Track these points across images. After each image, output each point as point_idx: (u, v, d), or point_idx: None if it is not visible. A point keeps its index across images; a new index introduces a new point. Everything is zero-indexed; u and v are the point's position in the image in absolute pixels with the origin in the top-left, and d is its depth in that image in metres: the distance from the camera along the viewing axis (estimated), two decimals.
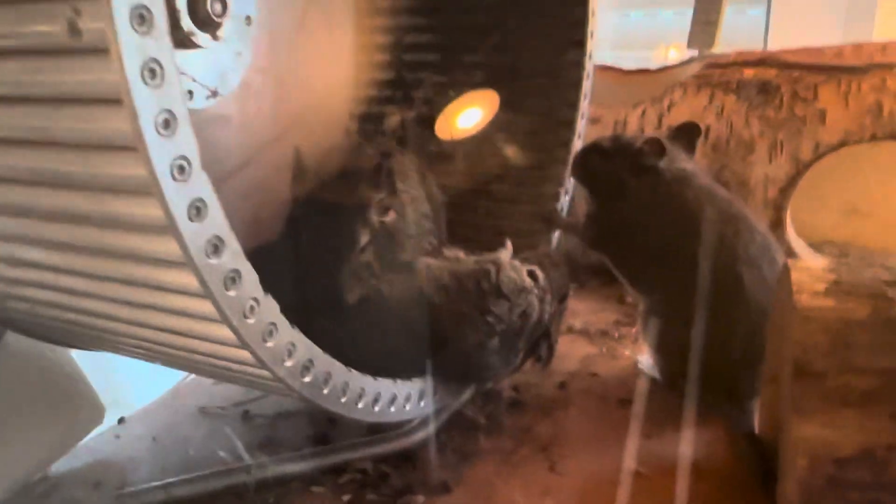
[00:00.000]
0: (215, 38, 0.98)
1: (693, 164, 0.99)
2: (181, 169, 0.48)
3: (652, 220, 0.95)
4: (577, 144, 1.17)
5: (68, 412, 0.86)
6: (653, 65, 2.65)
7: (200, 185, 0.50)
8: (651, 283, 0.99)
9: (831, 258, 1.30)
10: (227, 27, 0.99)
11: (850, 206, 1.43)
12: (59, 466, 0.87)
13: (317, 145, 1.26)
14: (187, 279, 0.52)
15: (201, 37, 0.96)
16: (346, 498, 0.79)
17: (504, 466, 0.84)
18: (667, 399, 0.96)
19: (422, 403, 0.87)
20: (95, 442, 0.92)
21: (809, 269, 0.69)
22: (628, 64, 2.64)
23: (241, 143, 1.10)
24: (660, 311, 0.97)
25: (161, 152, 0.46)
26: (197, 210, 0.50)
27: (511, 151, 1.21)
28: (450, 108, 1.23)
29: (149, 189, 0.46)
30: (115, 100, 0.44)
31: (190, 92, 0.98)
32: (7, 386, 0.83)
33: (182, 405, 1.01)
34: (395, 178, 0.84)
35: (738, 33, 2.24)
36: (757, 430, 0.85)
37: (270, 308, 0.60)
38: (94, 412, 0.89)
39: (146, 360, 0.79)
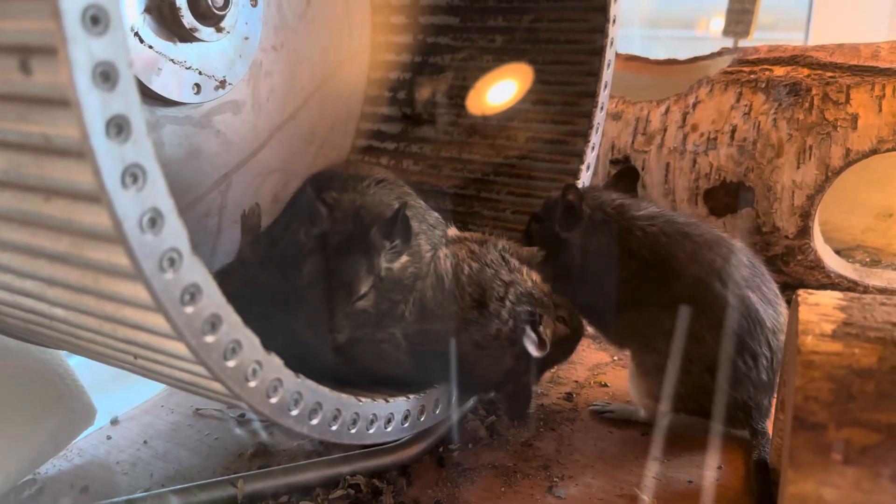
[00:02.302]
0: (219, 30, 0.96)
1: (630, 199, 0.95)
2: (171, 261, 0.47)
3: (597, 265, 0.91)
4: (600, 117, 1.12)
5: (58, 412, 0.86)
6: (693, 37, 2.58)
7: (194, 271, 0.49)
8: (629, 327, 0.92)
9: (856, 269, 1.25)
10: (231, 16, 0.97)
11: (884, 209, 1.37)
12: (48, 468, 0.87)
13: (334, 116, 1.25)
14: (184, 351, 0.51)
15: (204, 31, 0.94)
16: None
17: (502, 486, 0.82)
18: (679, 417, 0.93)
19: (437, 412, 0.86)
20: (86, 443, 0.92)
21: (819, 304, 0.65)
22: (665, 43, 2.58)
23: (256, 126, 1.09)
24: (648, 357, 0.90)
25: (146, 248, 0.45)
26: (191, 296, 0.49)
27: (531, 124, 1.18)
28: (481, 83, 1.21)
29: (136, 278, 0.46)
30: (78, 152, 0.42)
31: (197, 85, 0.96)
32: None
33: (177, 405, 1.00)
34: (411, 226, 0.82)
35: (779, 18, 2.16)
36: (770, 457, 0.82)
37: (274, 366, 0.60)
38: (85, 413, 0.89)
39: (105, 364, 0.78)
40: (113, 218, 0.42)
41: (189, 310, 0.49)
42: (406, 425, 0.81)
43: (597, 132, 1.12)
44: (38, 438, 0.83)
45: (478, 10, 1.20)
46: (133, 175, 0.43)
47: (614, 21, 1.09)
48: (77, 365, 0.91)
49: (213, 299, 0.51)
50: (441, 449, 0.89)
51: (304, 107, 1.17)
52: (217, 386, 0.55)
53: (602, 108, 1.12)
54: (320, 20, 1.16)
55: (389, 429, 0.78)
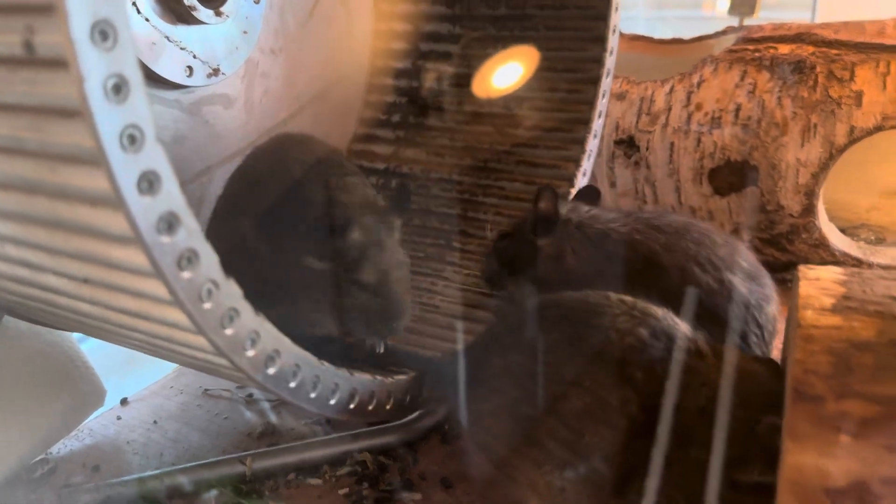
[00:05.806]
0: (218, 14, 0.97)
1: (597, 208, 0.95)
2: (132, 139, 0.44)
3: (577, 270, 0.89)
4: (602, 104, 1.13)
5: (69, 394, 0.87)
6: (699, 17, 2.56)
7: (153, 156, 0.46)
8: None
9: (861, 247, 1.25)
10: (232, 4, 0.97)
11: (889, 187, 1.36)
12: (60, 448, 0.89)
13: (328, 131, 1.24)
14: (183, 319, 0.51)
15: (203, 12, 0.94)
16: (342, 492, 0.79)
17: None
18: None
19: (407, 399, 0.85)
20: (97, 424, 0.94)
21: (819, 279, 0.65)
22: (671, 23, 2.56)
23: (245, 125, 1.09)
24: None
25: (109, 120, 0.43)
26: (188, 260, 0.49)
27: (534, 112, 1.18)
28: (483, 71, 1.21)
29: (97, 160, 0.44)
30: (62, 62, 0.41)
31: (189, 68, 0.96)
32: (7, 367, 0.84)
33: (186, 386, 1.01)
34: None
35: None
36: None
37: (231, 293, 0.56)
38: (95, 394, 0.90)
39: (111, 342, 0.77)
40: (111, 181, 0.43)
41: (186, 275, 0.49)
42: (371, 408, 0.79)
43: (599, 119, 1.13)
44: (48, 419, 0.85)
45: None
46: (131, 137, 0.43)
47: (617, 8, 1.09)
48: (87, 348, 0.93)
49: (211, 266, 0.51)
50: (447, 427, 0.90)
51: (297, 115, 1.17)
52: (217, 359, 0.55)
53: (604, 95, 1.12)
54: (321, 33, 1.16)
55: (353, 406, 0.76)
